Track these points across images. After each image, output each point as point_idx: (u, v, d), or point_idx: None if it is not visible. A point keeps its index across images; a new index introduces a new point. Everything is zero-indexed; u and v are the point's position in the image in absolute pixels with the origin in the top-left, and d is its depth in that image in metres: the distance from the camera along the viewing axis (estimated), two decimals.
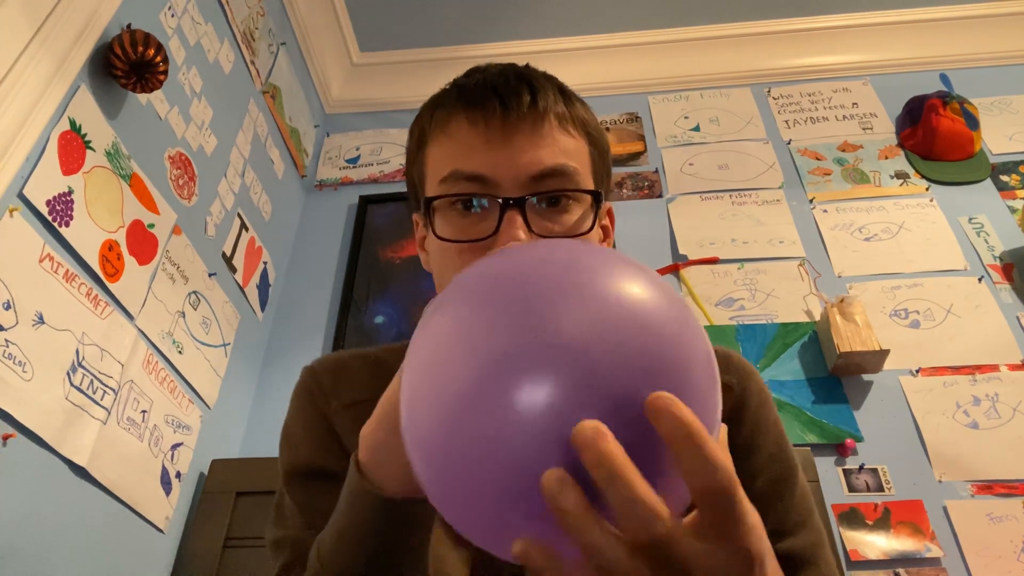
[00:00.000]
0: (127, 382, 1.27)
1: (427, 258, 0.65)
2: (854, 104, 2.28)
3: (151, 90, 1.30)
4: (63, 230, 1.13)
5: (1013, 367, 1.65)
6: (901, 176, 2.07)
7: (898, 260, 1.88)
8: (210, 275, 1.61)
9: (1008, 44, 2.31)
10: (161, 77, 1.29)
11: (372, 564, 0.49)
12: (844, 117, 2.25)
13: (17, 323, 1.03)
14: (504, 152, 0.57)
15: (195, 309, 1.53)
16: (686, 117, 2.32)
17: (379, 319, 1.94)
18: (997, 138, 2.12)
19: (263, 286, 1.91)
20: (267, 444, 1.71)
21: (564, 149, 0.59)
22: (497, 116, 0.57)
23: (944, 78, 2.25)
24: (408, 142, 0.67)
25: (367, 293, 2.00)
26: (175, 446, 1.41)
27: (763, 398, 0.67)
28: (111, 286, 1.24)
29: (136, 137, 1.37)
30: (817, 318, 1.77)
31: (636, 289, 0.34)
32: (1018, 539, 1.43)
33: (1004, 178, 2.02)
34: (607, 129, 2.30)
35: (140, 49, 1.25)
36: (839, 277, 1.87)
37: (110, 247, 1.25)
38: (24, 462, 1.04)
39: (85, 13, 1.22)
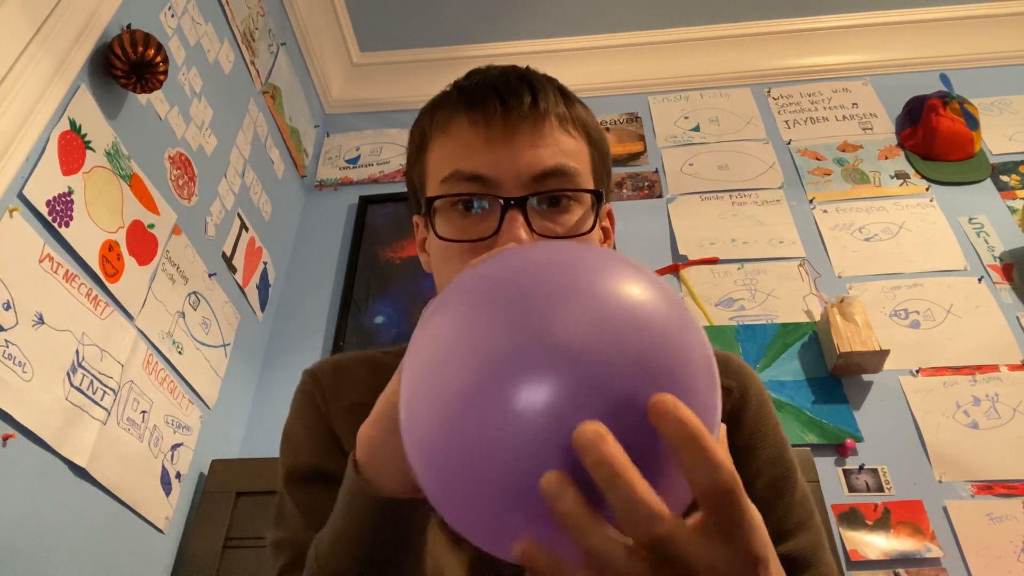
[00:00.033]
0: (127, 382, 1.27)
1: (427, 260, 0.65)
2: (854, 104, 2.28)
3: (151, 90, 1.30)
4: (63, 230, 1.13)
5: (1013, 367, 1.65)
6: (901, 176, 2.07)
7: (898, 260, 1.88)
8: (210, 275, 1.61)
9: (1008, 44, 2.31)
10: (161, 77, 1.29)
11: (369, 564, 0.49)
12: (844, 117, 2.25)
13: (17, 323, 1.03)
14: (505, 152, 0.57)
15: (195, 309, 1.53)
16: (686, 117, 2.32)
17: (379, 319, 1.95)
18: (997, 138, 2.12)
19: (263, 286, 1.91)
20: (267, 444, 1.71)
21: (565, 149, 0.59)
22: (498, 116, 0.58)
23: (944, 78, 2.25)
24: (409, 145, 0.67)
25: (367, 293, 2.00)
26: (175, 446, 1.41)
27: (762, 400, 0.68)
28: (111, 286, 1.24)
29: (136, 137, 1.37)
30: (817, 318, 1.77)
31: (636, 291, 0.34)
32: (1018, 539, 1.43)
33: (1004, 178, 2.02)
34: (607, 129, 2.30)
35: (140, 49, 1.25)
36: (839, 277, 1.87)
37: (110, 247, 1.25)
38: (24, 462, 1.04)
39: (85, 13, 1.22)
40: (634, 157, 2.23)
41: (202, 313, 1.56)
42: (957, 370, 1.66)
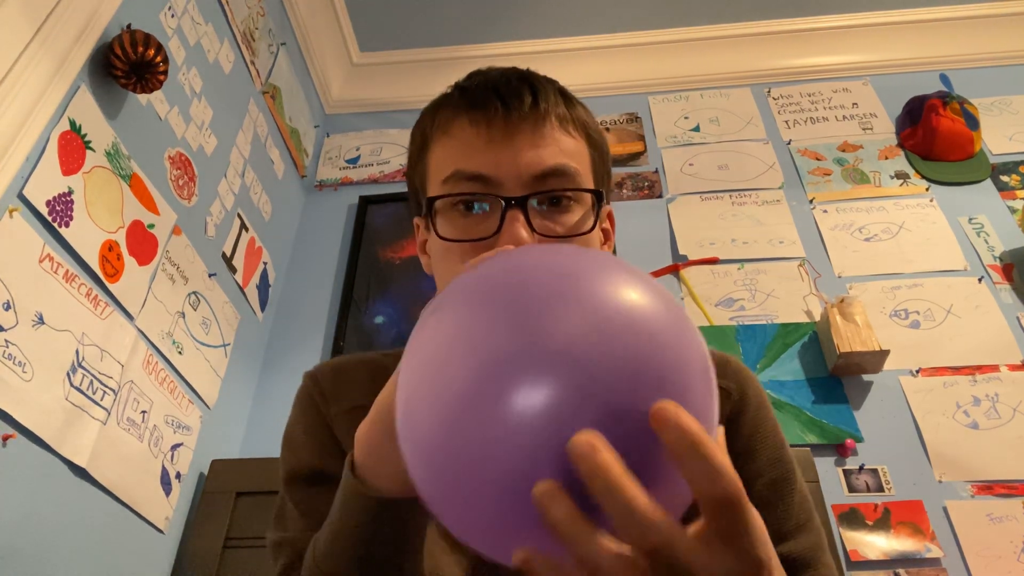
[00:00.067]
0: (127, 382, 1.27)
1: (428, 262, 0.65)
2: (854, 104, 2.28)
3: (151, 90, 1.30)
4: (63, 230, 1.13)
5: (1013, 367, 1.65)
6: (901, 176, 2.07)
7: (898, 260, 1.88)
8: (210, 275, 1.61)
9: (1008, 44, 2.31)
10: (161, 77, 1.29)
11: (367, 564, 0.49)
12: (844, 117, 2.25)
13: (17, 323, 1.03)
14: (506, 152, 0.57)
15: (195, 309, 1.53)
16: (686, 117, 2.32)
17: (379, 319, 1.94)
18: (997, 138, 2.12)
19: (263, 286, 1.91)
20: (267, 444, 1.71)
21: (565, 150, 0.59)
22: (499, 116, 0.58)
23: (944, 78, 2.25)
24: (410, 146, 0.67)
25: (367, 293, 2.00)
26: (175, 446, 1.41)
27: (761, 402, 0.68)
28: (111, 286, 1.24)
29: (136, 137, 1.37)
30: (817, 318, 1.77)
31: (633, 294, 0.34)
32: (1018, 539, 1.43)
33: (1004, 178, 2.02)
34: (607, 129, 2.30)
35: (140, 49, 1.25)
36: (839, 277, 1.87)
37: (110, 247, 1.25)
38: (24, 462, 1.04)
39: (85, 13, 1.22)
40: (634, 157, 2.23)
41: (202, 313, 1.56)
42: (957, 370, 1.66)
